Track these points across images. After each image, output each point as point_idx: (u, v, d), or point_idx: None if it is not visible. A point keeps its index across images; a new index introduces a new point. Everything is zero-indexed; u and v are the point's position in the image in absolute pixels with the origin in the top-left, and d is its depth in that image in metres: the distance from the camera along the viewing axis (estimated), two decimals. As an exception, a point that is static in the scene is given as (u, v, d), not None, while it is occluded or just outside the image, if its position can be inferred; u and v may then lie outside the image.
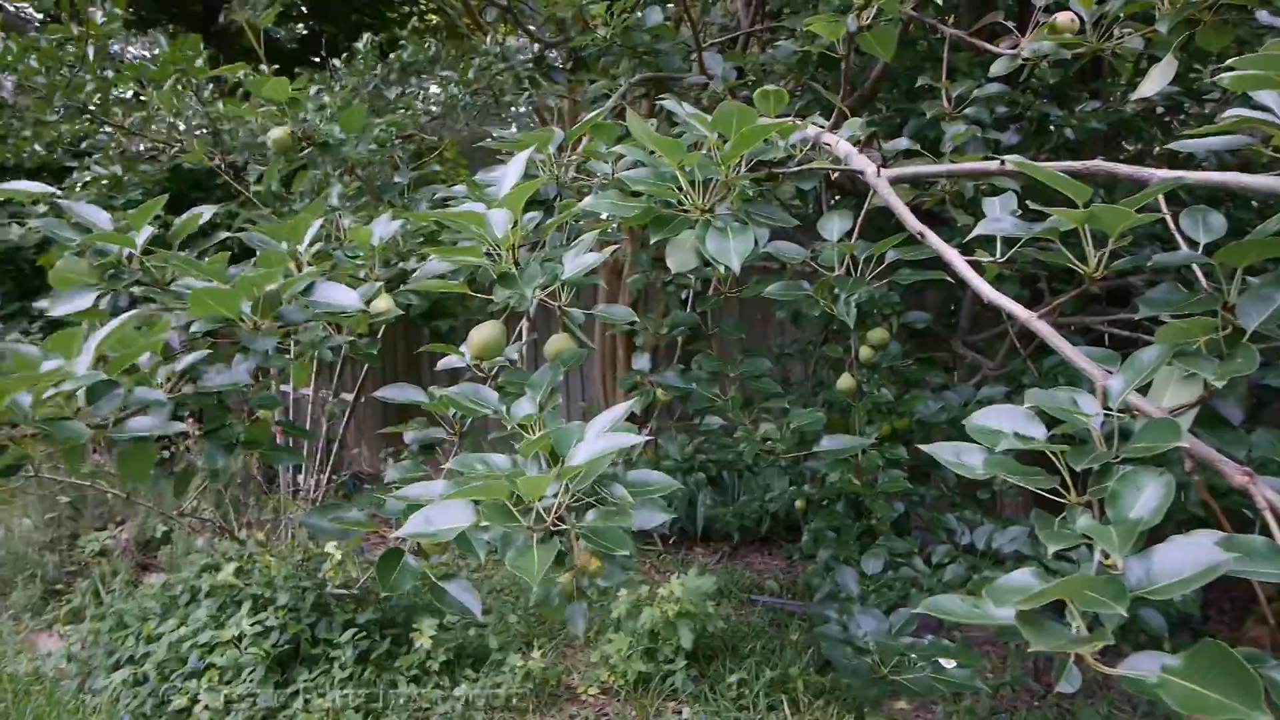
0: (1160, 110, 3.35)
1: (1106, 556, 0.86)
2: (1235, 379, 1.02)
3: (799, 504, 3.05)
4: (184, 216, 1.48)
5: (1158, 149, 3.34)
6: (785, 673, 3.53)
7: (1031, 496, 3.88)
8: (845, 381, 2.85)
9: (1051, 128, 3.02)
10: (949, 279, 1.76)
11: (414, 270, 1.72)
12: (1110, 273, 1.11)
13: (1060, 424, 1.02)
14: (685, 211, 1.35)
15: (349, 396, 5.15)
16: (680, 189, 1.32)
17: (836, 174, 2.44)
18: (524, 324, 1.65)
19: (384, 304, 1.66)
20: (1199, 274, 1.15)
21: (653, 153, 1.60)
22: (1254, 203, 2.87)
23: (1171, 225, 1.21)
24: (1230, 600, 4.20)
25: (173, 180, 7.13)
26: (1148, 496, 0.85)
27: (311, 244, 1.58)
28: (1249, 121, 1.05)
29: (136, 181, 4.40)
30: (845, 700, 3.36)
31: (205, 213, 1.50)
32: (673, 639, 3.53)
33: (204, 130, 3.57)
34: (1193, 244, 1.17)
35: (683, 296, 2.61)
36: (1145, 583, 0.77)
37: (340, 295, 1.32)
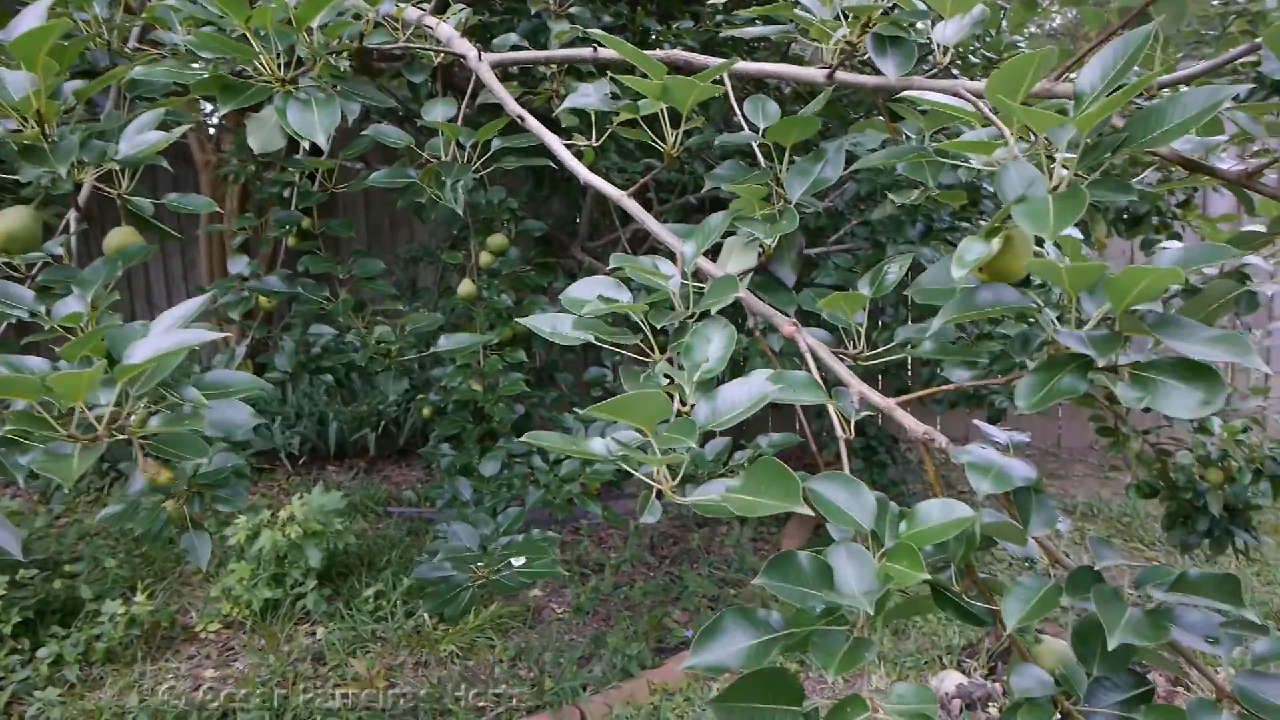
0: (749, 41, 3.69)
1: (684, 403, 0.94)
2: (786, 247, 1.16)
3: (425, 411, 3.03)
4: None
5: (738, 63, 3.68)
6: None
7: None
8: (466, 287, 2.87)
9: (652, 41, 3.19)
10: (552, 168, 1.80)
11: None
12: (683, 151, 1.20)
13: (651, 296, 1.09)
14: (265, 83, 1.23)
15: None
16: (255, 55, 1.19)
17: (450, 63, 2.37)
18: (72, 214, 1.41)
19: None
20: (759, 155, 1.29)
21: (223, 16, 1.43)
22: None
23: (737, 110, 1.33)
24: (802, 466, 4.93)
25: None
26: (714, 346, 0.94)
27: None
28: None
29: None
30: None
31: None
32: (301, 561, 3.37)
33: None
34: (754, 128, 1.30)
35: (284, 194, 2.40)
36: (712, 418, 0.86)
37: None
